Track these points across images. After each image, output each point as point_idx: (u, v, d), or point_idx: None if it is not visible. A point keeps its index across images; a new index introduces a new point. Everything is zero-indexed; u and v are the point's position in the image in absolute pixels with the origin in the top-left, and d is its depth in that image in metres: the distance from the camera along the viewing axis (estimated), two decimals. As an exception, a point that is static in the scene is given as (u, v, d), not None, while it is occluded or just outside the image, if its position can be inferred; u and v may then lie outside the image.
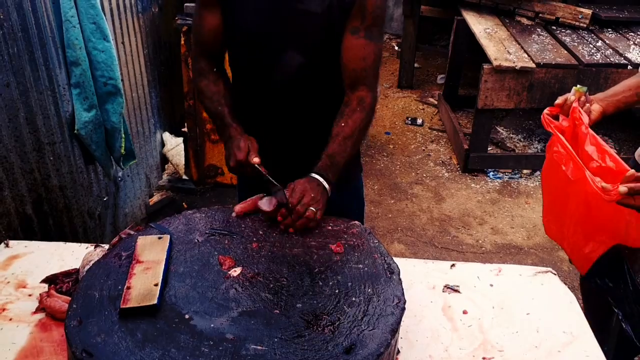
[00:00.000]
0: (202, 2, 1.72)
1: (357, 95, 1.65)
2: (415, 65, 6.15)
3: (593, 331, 1.46)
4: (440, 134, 5.06)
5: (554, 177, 1.84)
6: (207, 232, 1.46)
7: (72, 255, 1.66)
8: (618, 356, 1.80)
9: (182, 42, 3.46)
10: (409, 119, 5.28)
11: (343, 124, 1.63)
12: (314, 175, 1.56)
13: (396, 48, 6.98)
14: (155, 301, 1.20)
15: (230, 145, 1.63)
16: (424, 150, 4.79)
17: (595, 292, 2.24)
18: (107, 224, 2.97)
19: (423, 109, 5.54)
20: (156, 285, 1.25)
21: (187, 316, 1.19)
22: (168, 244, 1.40)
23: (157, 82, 3.61)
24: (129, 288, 1.24)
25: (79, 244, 1.74)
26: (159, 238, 1.42)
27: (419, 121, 5.23)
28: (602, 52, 4.15)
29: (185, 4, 3.48)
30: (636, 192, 1.45)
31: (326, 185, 1.56)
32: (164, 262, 1.33)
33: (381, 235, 3.66)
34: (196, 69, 1.79)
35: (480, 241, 3.64)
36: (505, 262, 3.38)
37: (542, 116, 1.81)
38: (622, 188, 1.45)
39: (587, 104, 1.76)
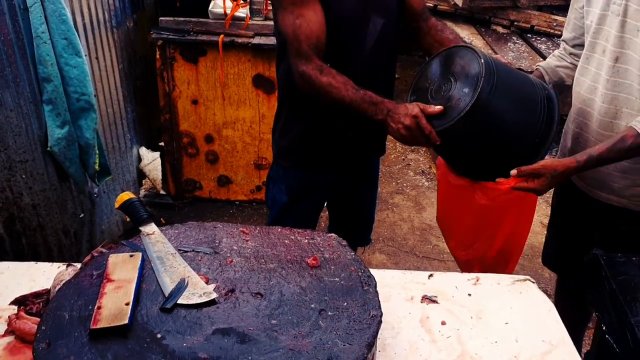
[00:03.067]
0: (296, 2, 1.77)
1: (433, 22, 2.08)
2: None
3: None
4: (419, 143, 5.07)
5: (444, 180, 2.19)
6: (180, 248, 1.43)
7: (44, 275, 1.62)
8: (598, 363, 1.80)
9: (158, 56, 3.44)
10: (389, 128, 5.29)
11: (448, 33, 2.06)
12: None
13: (374, 58, 7.00)
14: (126, 321, 1.17)
15: (399, 111, 1.72)
16: (403, 160, 4.80)
17: (570, 304, 2.26)
18: (83, 241, 2.92)
19: (402, 119, 5.56)
20: (127, 304, 1.22)
21: (159, 335, 1.16)
22: (140, 262, 1.37)
23: (132, 97, 3.57)
24: (99, 308, 1.21)
25: (51, 263, 1.70)
26: (131, 256, 1.39)
27: (399, 131, 5.24)
28: (576, 60, 4.20)
29: (161, 18, 3.46)
30: (526, 173, 1.74)
31: None
32: (135, 281, 1.30)
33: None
34: (313, 68, 1.79)
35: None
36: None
37: None
38: (513, 171, 1.74)
39: None
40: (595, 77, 1.87)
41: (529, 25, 4.76)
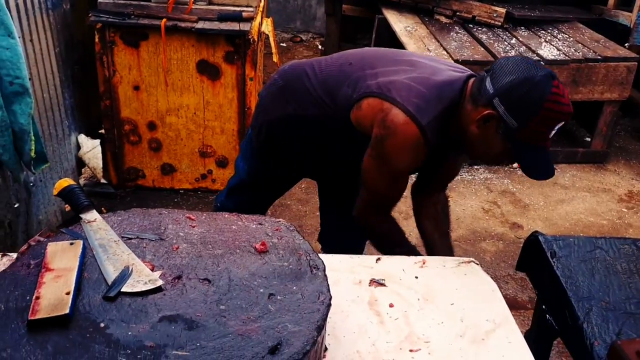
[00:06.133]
0: (402, 171, 1.85)
1: (444, 196, 2.24)
2: (339, 63, 6.18)
3: None
4: (364, 131, 5.10)
5: None
6: (123, 235, 1.39)
7: (-24, 267, 1.54)
8: (539, 340, 1.86)
9: (97, 39, 3.32)
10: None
11: (445, 225, 2.26)
12: None
13: (320, 47, 7.00)
14: (67, 310, 1.13)
15: None
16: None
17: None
18: (18, 232, 2.80)
19: (347, 107, 5.58)
20: (68, 293, 1.18)
21: (102, 325, 1.13)
22: (81, 250, 1.32)
23: (70, 82, 3.44)
24: (38, 298, 1.16)
25: (-16, 254, 1.62)
26: (71, 244, 1.34)
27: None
28: (516, 49, 4.32)
29: (99, 0, 3.34)
30: None
31: None
32: (76, 269, 1.25)
33: (309, 233, 3.64)
34: (382, 220, 1.99)
35: (407, 235, 3.69)
36: (431, 255, 3.44)
37: None
38: None
39: None
40: None
41: (470, 16, 4.86)
